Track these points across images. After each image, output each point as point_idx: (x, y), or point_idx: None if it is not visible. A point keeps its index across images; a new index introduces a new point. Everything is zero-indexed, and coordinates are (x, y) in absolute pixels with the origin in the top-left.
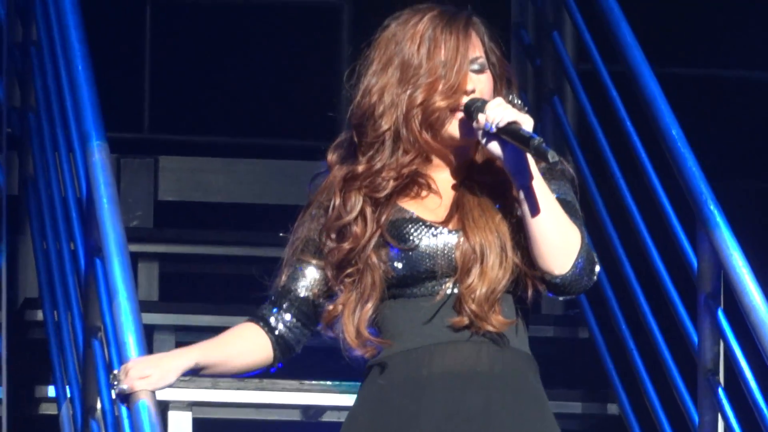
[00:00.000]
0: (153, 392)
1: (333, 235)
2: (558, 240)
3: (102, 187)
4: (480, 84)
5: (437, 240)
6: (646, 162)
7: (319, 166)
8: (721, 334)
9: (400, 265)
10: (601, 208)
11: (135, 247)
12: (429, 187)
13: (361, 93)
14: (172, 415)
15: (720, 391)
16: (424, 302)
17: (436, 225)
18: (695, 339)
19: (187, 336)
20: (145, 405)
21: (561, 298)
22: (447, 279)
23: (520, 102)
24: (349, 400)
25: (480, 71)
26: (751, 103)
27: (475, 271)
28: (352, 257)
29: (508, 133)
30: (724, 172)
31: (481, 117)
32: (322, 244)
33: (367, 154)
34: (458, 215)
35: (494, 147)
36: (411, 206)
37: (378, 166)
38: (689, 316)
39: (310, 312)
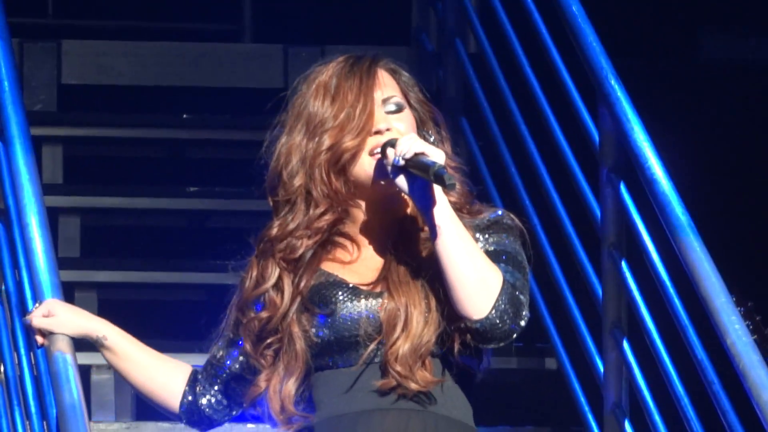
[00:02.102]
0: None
1: (251, 306)
2: (474, 281)
3: (3, 71)
4: (398, 123)
5: (360, 303)
6: (547, 38)
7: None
8: (623, 208)
9: (323, 332)
10: (503, 85)
11: (38, 131)
12: (352, 249)
13: (274, 157)
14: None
15: (623, 264)
16: (348, 371)
17: (360, 288)
18: (598, 213)
19: (92, 218)
20: (61, 356)
21: (489, 347)
22: (372, 344)
23: (434, 138)
24: None
25: (396, 111)
26: None
27: (399, 329)
28: (271, 327)
29: (414, 164)
30: (626, 49)
31: (389, 151)
32: (242, 316)
33: (281, 215)
34: (382, 276)
35: (401, 181)
36: (334, 269)
37: (291, 226)
38: (592, 192)
39: (238, 389)
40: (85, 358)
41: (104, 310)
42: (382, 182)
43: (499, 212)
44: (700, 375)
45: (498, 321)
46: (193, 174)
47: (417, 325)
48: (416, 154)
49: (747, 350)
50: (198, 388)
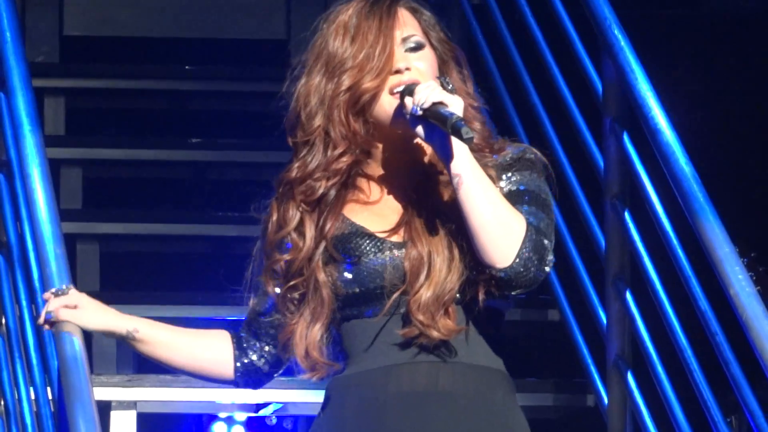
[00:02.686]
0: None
1: (276, 249)
2: (497, 229)
3: (5, 22)
4: (418, 62)
5: (384, 254)
6: None
7: None
8: (626, 158)
9: (348, 282)
10: (506, 35)
11: (41, 82)
12: (373, 191)
13: (294, 98)
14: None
15: (626, 215)
16: (375, 321)
17: (383, 238)
18: (601, 163)
19: (94, 170)
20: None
21: (513, 294)
22: (396, 293)
23: (452, 86)
24: None
25: (416, 49)
26: None
27: (422, 277)
28: (294, 270)
29: (432, 114)
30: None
31: (407, 100)
32: (267, 260)
33: (300, 156)
34: (404, 223)
35: (420, 130)
36: (356, 216)
37: (311, 167)
38: (595, 142)
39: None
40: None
41: (106, 262)
42: (401, 125)
43: (522, 147)
44: (703, 326)
45: (522, 269)
46: (196, 125)
47: (440, 272)
48: (434, 104)
49: (750, 301)
50: (247, 348)
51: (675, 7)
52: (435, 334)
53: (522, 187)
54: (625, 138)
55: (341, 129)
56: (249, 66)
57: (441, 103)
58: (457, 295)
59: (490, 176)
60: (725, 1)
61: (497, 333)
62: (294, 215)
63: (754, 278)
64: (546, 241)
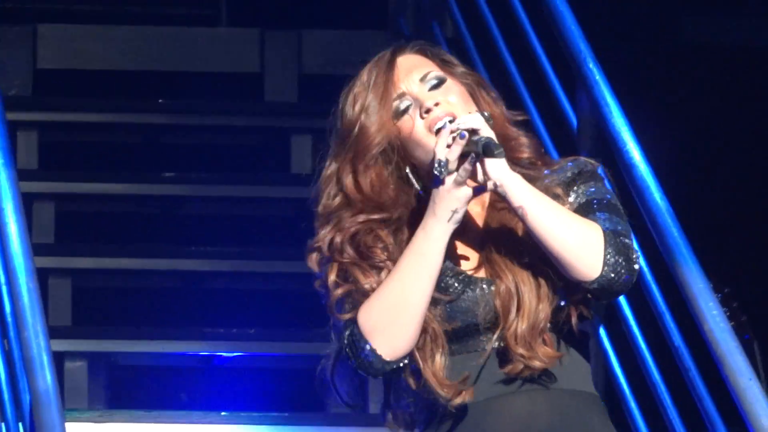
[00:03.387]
0: None
1: None
2: (575, 245)
3: None
4: (445, 96)
5: (475, 291)
6: (526, 21)
7: None
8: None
9: (443, 320)
10: (481, 69)
11: (13, 116)
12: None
13: (319, 180)
14: None
15: None
16: (470, 359)
17: (473, 276)
18: None
19: (66, 204)
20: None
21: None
22: (490, 332)
23: (488, 114)
24: None
25: (438, 85)
26: None
27: (514, 310)
28: None
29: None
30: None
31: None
32: None
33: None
34: (485, 259)
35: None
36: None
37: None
38: None
39: None
40: (59, 344)
41: (78, 297)
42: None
43: (578, 160)
44: (677, 361)
45: (613, 274)
46: (169, 159)
47: (530, 303)
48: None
49: (724, 336)
50: None
51: (651, 40)
52: (537, 364)
53: (589, 197)
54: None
55: (353, 192)
56: (222, 100)
57: (472, 131)
58: (549, 323)
59: (557, 195)
60: (701, 33)
61: (587, 356)
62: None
63: (728, 314)
64: (627, 241)
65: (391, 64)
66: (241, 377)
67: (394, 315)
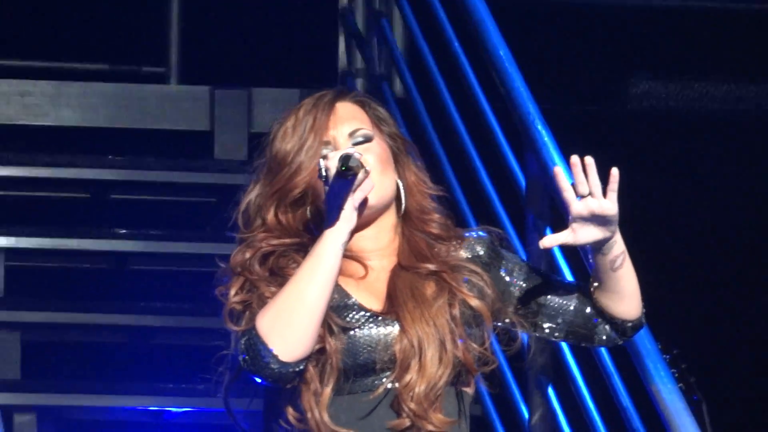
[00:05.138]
0: None
1: None
2: (635, 282)
3: None
4: (366, 155)
5: (377, 331)
6: (474, 83)
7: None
8: (549, 254)
9: (345, 354)
10: (430, 130)
11: None
12: (359, 266)
13: (242, 201)
14: None
15: None
16: (362, 398)
17: (376, 313)
18: (525, 259)
19: (16, 258)
20: None
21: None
22: (386, 373)
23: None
24: None
25: (363, 143)
26: (589, 27)
27: (414, 368)
28: None
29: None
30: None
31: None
32: None
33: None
34: (393, 304)
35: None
36: (348, 286)
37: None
38: (519, 238)
39: None
40: (8, 398)
41: (28, 351)
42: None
43: (479, 233)
44: (625, 422)
45: (643, 316)
46: (120, 215)
47: (432, 365)
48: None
49: (673, 398)
50: None
51: (599, 102)
52: (429, 427)
53: (531, 267)
54: (548, 233)
55: (273, 224)
56: (172, 156)
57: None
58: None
59: (477, 273)
60: (648, 96)
61: (468, 416)
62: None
63: (677, 375)
64: None
65: (330, 108)
66: None
67: (290, 315)
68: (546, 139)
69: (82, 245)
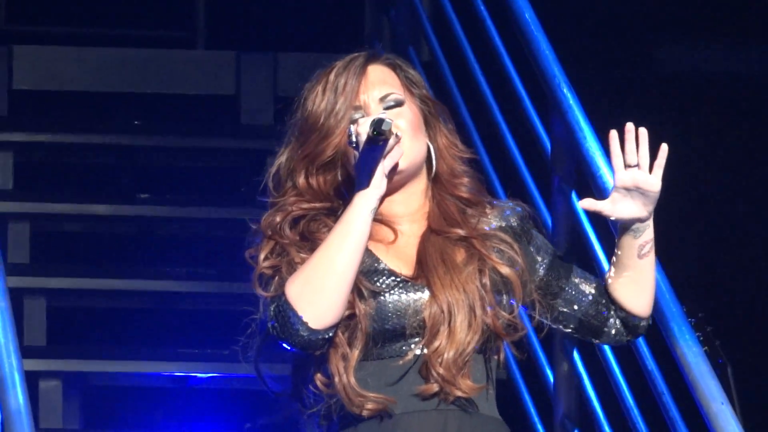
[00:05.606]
0: None
1: None
2: (653, 277)
3: None
4: (396, 118)
5: (407, 296)
6: (500, 46)
7: None
8: (574, 217)
9: (373, 319)
10: (456, 94)
11: None
12: (390, 231)
13: (274, 164)
14: None
15: None
16: (391, 364)
17: (406, 279)
18: (549, 223)
19: (41, 225)
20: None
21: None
22: (415, 339)
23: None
24: None
25: (395, 107)
26: None
27: (443, 333)
28: None
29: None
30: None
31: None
32: None
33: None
34: (423, 269)
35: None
36: (379, 251)
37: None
38: (544, 201)
39: None
40: (34, 364)
41: (53, 317)
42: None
43: (517, 207)
44: (650, 385)
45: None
46: (144, 181)
47: (461, 331)
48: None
49: (697, 361)
50: None
51: (624, 67)
52: (457, 393)
53: (556, 252)
54: (573, 196)
55: (304, 187)
56: (198, 122)
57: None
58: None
59: (508, 242)
60: (675, 62)
61: (494, 382)
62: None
63: (701, 339)
64: None
65: (362, 72)
66: (217, 398)
67: (320, 282)
68: (571, 102)
69: (108, 211)
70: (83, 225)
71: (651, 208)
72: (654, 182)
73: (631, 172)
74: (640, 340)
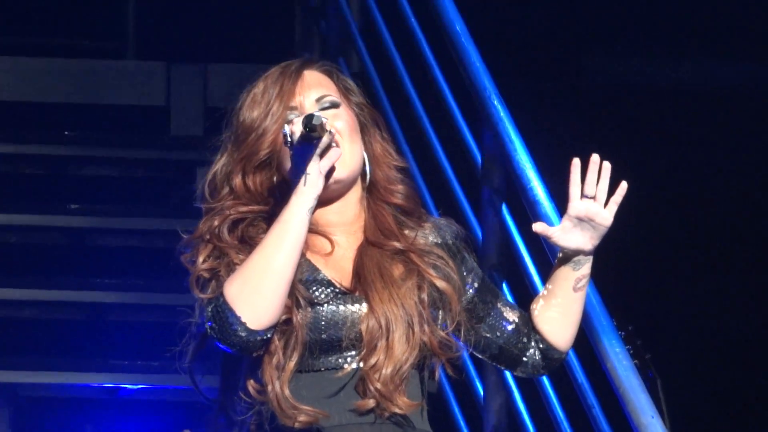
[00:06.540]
0: None
1: None
2: (581, 313)
3: None
4: (332, 120)
5: (344, 308)
6: (431, 58)
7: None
8: (505, 229)
9: (310, 328)
10: (386, 106)
11: None
12: (326, 242)
13: (210, 171)
14: None
15: (504, 286)
16: (327, 376)
17: (344, 290)
18: (479, 234)
19: None
20: None
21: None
22: (351, 353)
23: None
24: None
25: (330, 108)
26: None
27: (381, 348)
28: None
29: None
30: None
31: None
32: None
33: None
34: (361, 283)
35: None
36: (320, 263)
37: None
38: (474, 213)
39: None
40: None
41: None
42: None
43: (452, 225)
44: (581, 398)
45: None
46: (75, 191)
47: (399, 347)
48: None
49: (627, 374)
50: None
51: (556, 78)
52: (393, 408)
53: (485, 278)
54: (504, 209)
55: (241, 190)
56: (128, 132)
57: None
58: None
59: (444, 258)
60: (605, 73)
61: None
62: None
63: (632, 352)
64: None
65: (298, 75)
66: (146, 409)
67: (258, 282)
68: (502, 114)
69: (37, 221)
70: (13, 235)
71: (596, 242)
72: (606, 216)
73: (586, 203)
74: (571, 353)
